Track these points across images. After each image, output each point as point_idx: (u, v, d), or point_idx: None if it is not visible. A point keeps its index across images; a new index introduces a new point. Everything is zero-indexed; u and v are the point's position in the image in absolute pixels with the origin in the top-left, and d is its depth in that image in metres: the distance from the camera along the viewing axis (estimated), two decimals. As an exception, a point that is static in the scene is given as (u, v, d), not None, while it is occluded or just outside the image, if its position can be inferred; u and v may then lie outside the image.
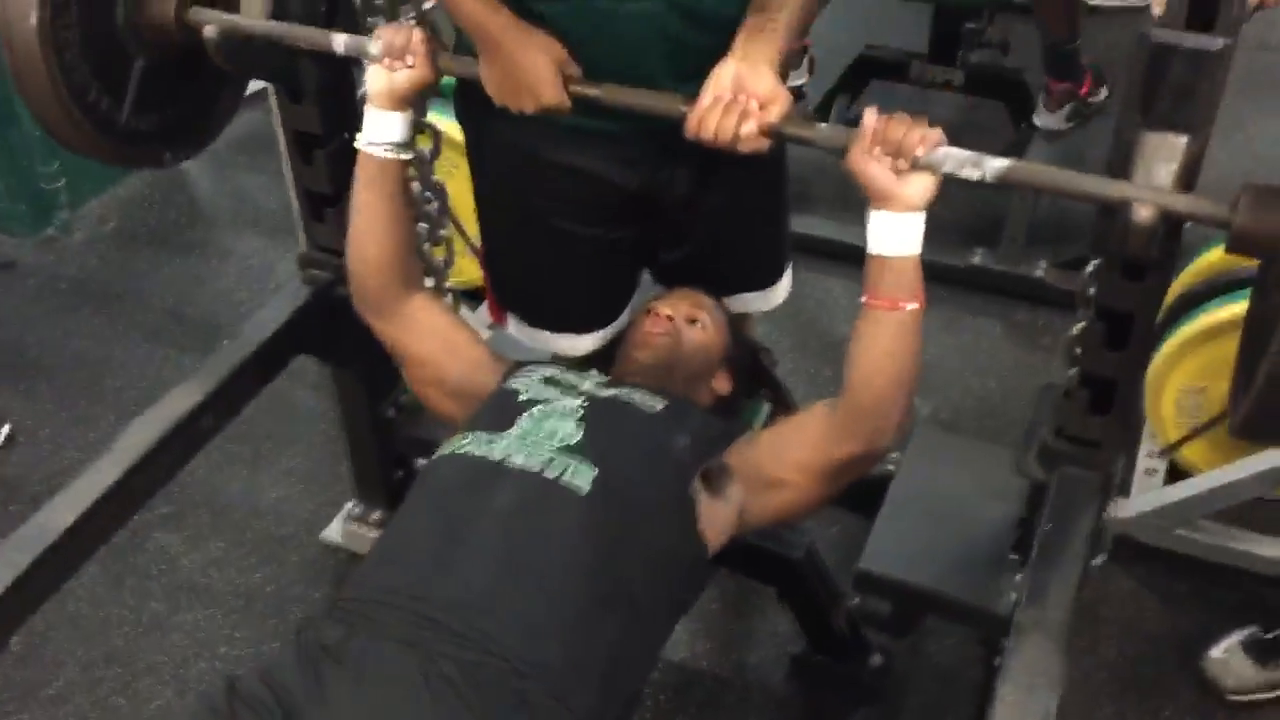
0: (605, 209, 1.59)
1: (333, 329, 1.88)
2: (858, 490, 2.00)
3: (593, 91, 1.40)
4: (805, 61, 2.99)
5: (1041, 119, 2.83)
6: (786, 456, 1.45)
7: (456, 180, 1.88)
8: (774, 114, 1.32)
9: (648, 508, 1.38)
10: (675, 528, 1.41)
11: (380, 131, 1.49)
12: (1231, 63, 1.21)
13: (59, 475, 2.27)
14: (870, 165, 1.26)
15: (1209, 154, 1.26)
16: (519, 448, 1.39)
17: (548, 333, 1.73)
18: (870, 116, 1.26)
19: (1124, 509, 2.18)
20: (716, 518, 1.44)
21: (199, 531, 2.27)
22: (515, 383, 1.50)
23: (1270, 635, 1.96)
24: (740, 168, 1.59)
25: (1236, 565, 2.11)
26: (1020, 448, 1.61)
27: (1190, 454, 2.23)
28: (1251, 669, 1.96)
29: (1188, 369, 2.16)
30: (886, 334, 1.33)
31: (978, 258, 2.74)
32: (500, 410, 1.46)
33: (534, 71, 1.38)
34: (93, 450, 2.26)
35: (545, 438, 1.40)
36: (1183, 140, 1.24)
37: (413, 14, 1.73)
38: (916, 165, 1.26)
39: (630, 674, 1.38)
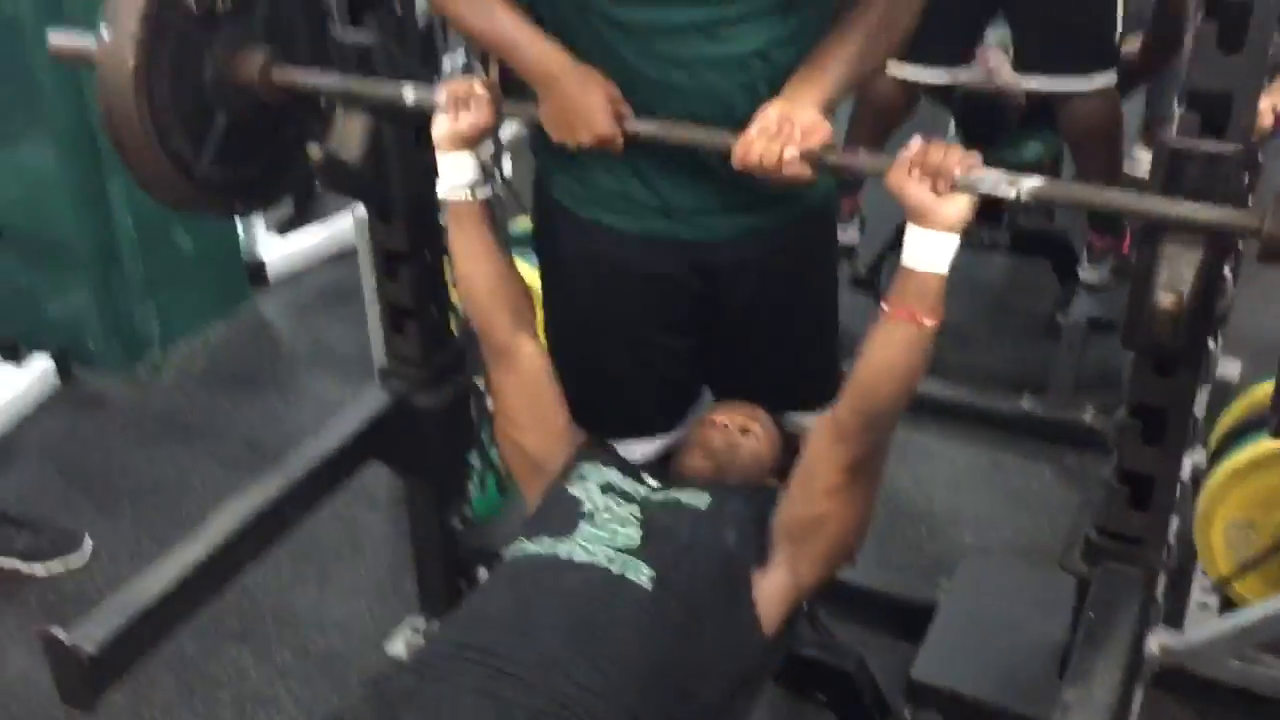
0: (673, 314, 1.70)
1: (407, 437, 1.99)
2: (907, 617, 2.07)
3: (645, 127, 1.50)
4: (856, 221, 3.15)
5: (1085, 273, 2.94)
6: (813, 489, 1.53)
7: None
8: (815, 140, 1.42)
9: (705, 602, 1.47)
10: (733, 617, 1.50)
11: (454, 174, 1.60)
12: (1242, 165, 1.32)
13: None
14: (910, 185, 1.35)
15: None
16: (582, 550, 1.49)
17: (614, 440, 1.82)
18: (914, 142, 1.37)
19: (1177, 640, 2.18)
20: (772, 590, 1.53)
21: (267, 644, 2.33)
22: (576, 488, 1.60)
23: None
24: (797, 287, 1.73)
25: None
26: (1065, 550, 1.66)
27: (1243, 588, 2.24)
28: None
29: (1235, 502, 2.20)
30: (899, 344, 1.40)
31: (1026, 404, 2.81)
32: (563, 518, 1.56)
33: (589, 105, 1.47)
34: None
35: (606, 542, 1.50)
36: (1198, 253, 1.34)
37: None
38: (955, 187, 1.34)
39: None
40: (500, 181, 2.03)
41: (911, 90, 2.80)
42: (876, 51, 1.53)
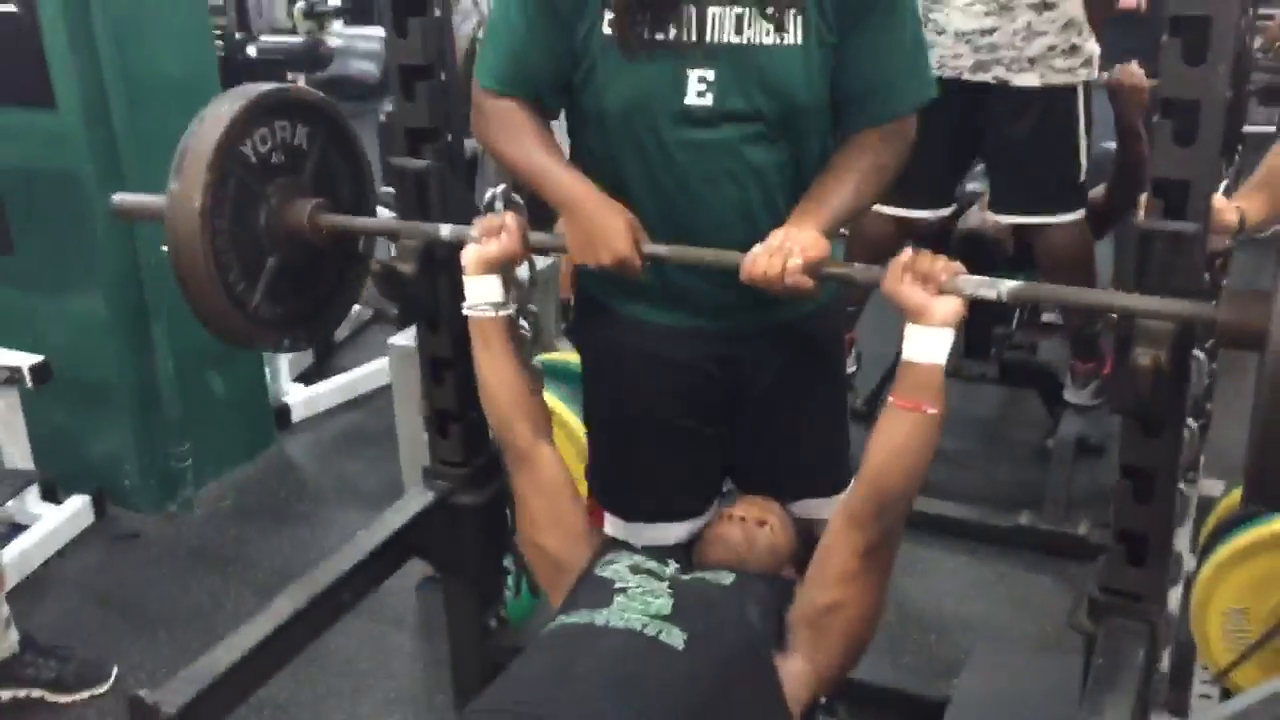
0: (699, 401, 1.86)
1: (448, 534, 2.12)
2: (920, 713, 2.17)
3: (661, 250, 1.68)
4: (854, 355, 3.35)
5: (1071, 395, 3.13)
6: (828, 575, 1.63)
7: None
8: (814, 253, 1.60)
9: (734, 665, 1.57)
10: (760, 689, 1.58)
11: (479, 294, 1.75)
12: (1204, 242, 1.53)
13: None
14: (903, 289, 1.52)
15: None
16: (618, 617, 1.59)
17: (643, 524, 1.96)
18: (905, 252, 1.54)
19: (1183, 729, 2.29)
20: (792, 675, 1.61)
21: (304, 759, 2.41)
22: (606, 571, 1.71)
23: None
24: (811, 376, 1.90)
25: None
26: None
27: (1241, 678, 2.34)
28: None
29: (1228, 591, 2.32)
30: (906, 432, 1.53)
31: (1024, 519, 2.95)
32: (596, 593, 1.66)
33: (609, 228, 1.65)
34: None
35: (640, 610, 1.60)
36: (1170, 328, 1.52)
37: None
38: (944, 289, 1.51)
39: None
40: (525, 316, 2.22)
41: (903, 227, 3.04)
42: (868, 191, 1.73)
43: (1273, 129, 2.73)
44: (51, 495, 3.23)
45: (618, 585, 1.66)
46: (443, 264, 1.96)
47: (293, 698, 2.54)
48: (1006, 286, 1.54)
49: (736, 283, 1.74)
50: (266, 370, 3.65)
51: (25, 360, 2.80)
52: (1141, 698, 1.65)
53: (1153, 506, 1.66)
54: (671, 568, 1.74)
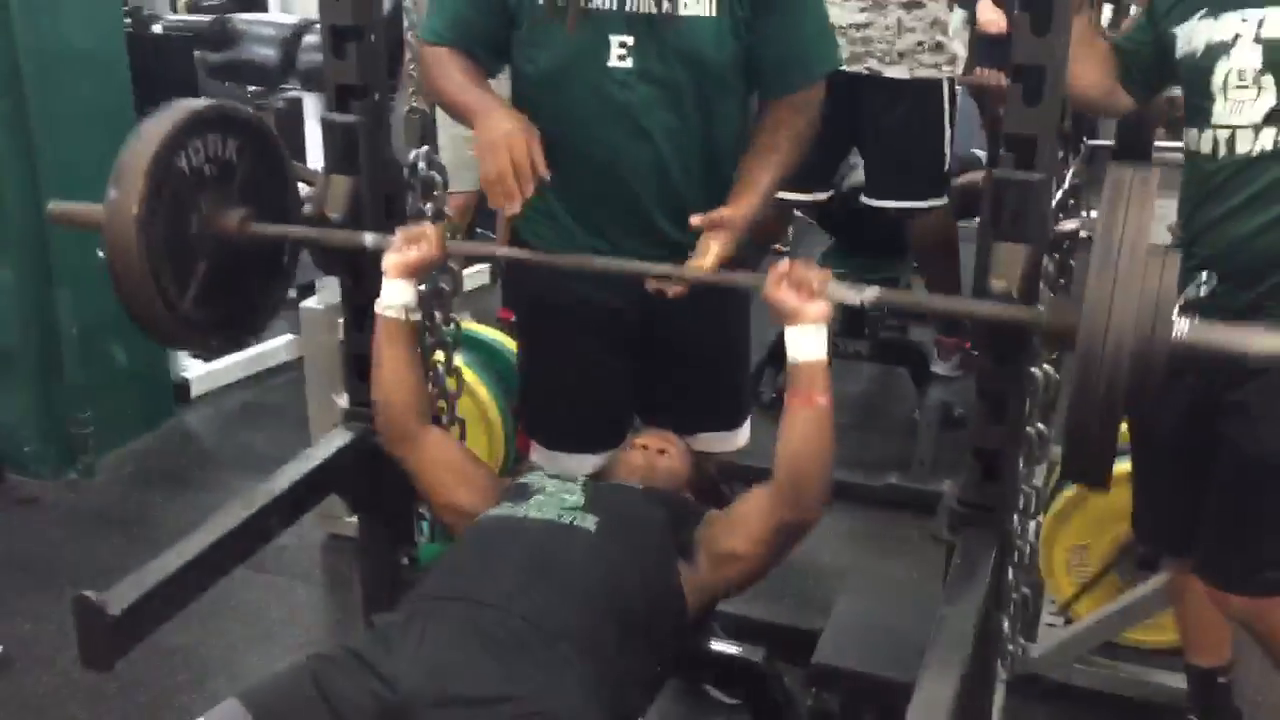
0: (614, 338, 2.06)
1: (365, 472, 2.24)
2: (799, 642, 2.37)
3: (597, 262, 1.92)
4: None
5: (937, 367, 3.41)
6: (738, 530, 1.81)
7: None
8: (710, 257, 1.81)
9: (640, 553, 1.77)
10: (662, 575, 1.78)
11: (394, 297, 1.89)
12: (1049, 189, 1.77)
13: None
14: (780, 294, 1.68)
15: None
16: (537, 510, 1.79)
17: (563, 454, 2.14)
18: (782, 263, 1.72)
19: (1031, 651, 2.55)
20: (691, 582, 1.81)
21: (217, 697, 2.49)
22: (525, 479, 1.90)
23: None
24: (715, 320, 2.10)
25: (1123, 693, 2.49)
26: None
27: (1080, 609, 2.62)
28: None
29: (1071, 529, 2.59)
30: (805, 424, 1.70)
31: (893, 479, 3.20)
32: (516, 494, 1.86)
33: (511, 129, 1.78)
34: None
35: (556, 504, 1.80)
36: (1022, 248, 1.76)
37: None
38: (815, 295, 1.69)
39: (625, 682, 1.65)
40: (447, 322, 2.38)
41: (786, 210, 3.27)
42: (790, 163, 1.97)
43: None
44: (-54, 462, 3.26)
45: (535, 487, 1.85)
46: (369, 211, 2.10)
47: (206, 646, 2.63)
48: (868, 293, 1.73)
49: (654, 233, 1.94)
50: (166, 345, 3.71)
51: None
52: (994, 595, 1.88)
53: (1005, 427, 1.89)
54: (584, 480, 1.93)
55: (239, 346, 2.11)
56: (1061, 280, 2.91)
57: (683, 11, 1.84)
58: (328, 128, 2.09)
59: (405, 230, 1.92)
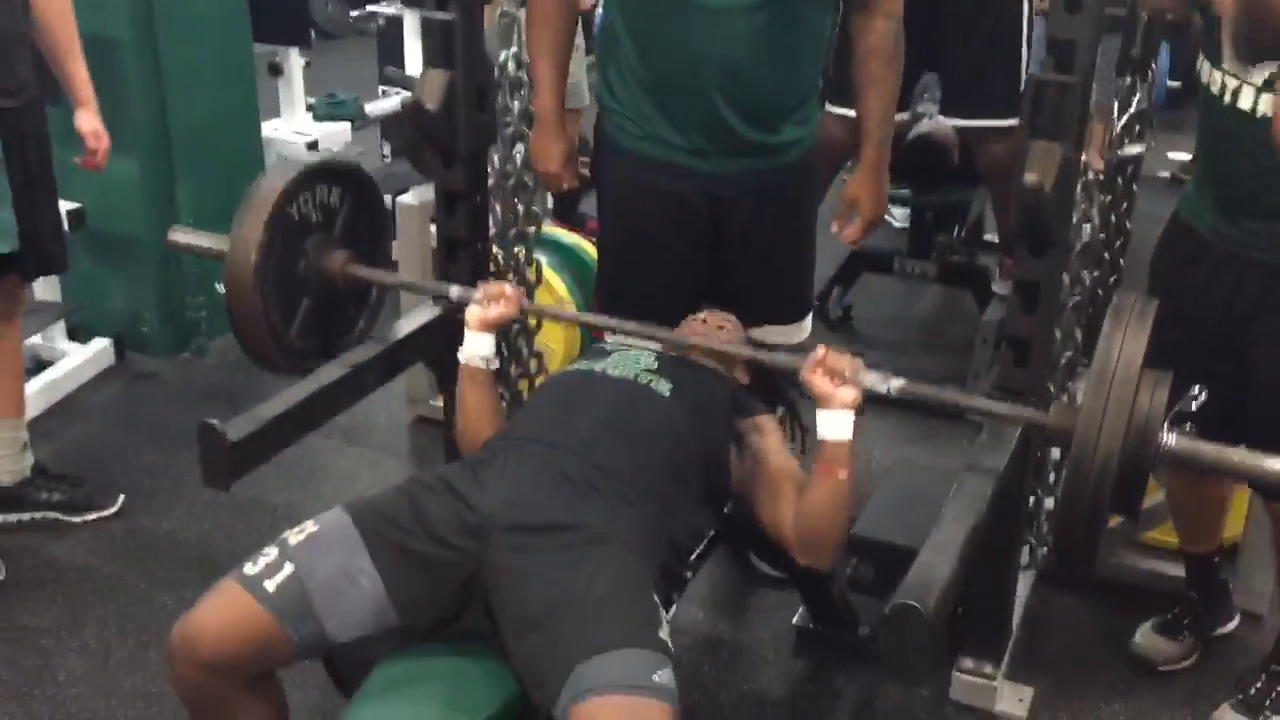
0: (687, 227, 2.24)
1: (450, 344, 2.46)
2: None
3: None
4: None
5: (999, 287, 3.53)
6: (768, 513, 1.93)
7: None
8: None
9: (703, 426, 1.96)
10: (715, 450, 1.98)
11: (476, 349, 2.07)
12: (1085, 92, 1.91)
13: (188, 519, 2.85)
14: (814, 379, 1.82)
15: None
16: (614, 367, 2.00)
17: None
18: (818, 350, 1.85)
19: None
20: (736, 471, 2.00)
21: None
22: (602, 343, 2.10)
23: (1168, 617, 2.47)
24: (781, 219, 2.27)
25: (1140, 583, 2.66)
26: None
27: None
28: (1165, 643, 2.44)
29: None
30: (825, 492, 1.81)
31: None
32: (595, 353, 2.08)
33: (551, 151, 2.31)
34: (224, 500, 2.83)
35: (632, 364, 2.00)
36: (1056, 146, 1.90)
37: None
38: (847, 381, 1.81)
39: (673, 533, 1.85)
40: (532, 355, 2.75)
41: (855, 128, 3.40)
42: (897, 89, 2.24)
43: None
44: (75, 337, 3.56)
45: (612, 349, 2.06)
46: (462, 105, 2.31)
47: (303, 504, 2.89)
48: (895, 383, 1.88)
49: (728, 134, 2.15)
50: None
51: (63, 206, 3.09)
52: (1017, 471, 2.04)
53: (1038, 316, 2.04)
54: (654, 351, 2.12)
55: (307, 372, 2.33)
56: (1125, 207, 3.04)
57: None
58: (427, 25, 2.30)
59: (486, 287, 2.10)
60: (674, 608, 2.41)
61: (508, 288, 2.09)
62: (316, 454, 3.09)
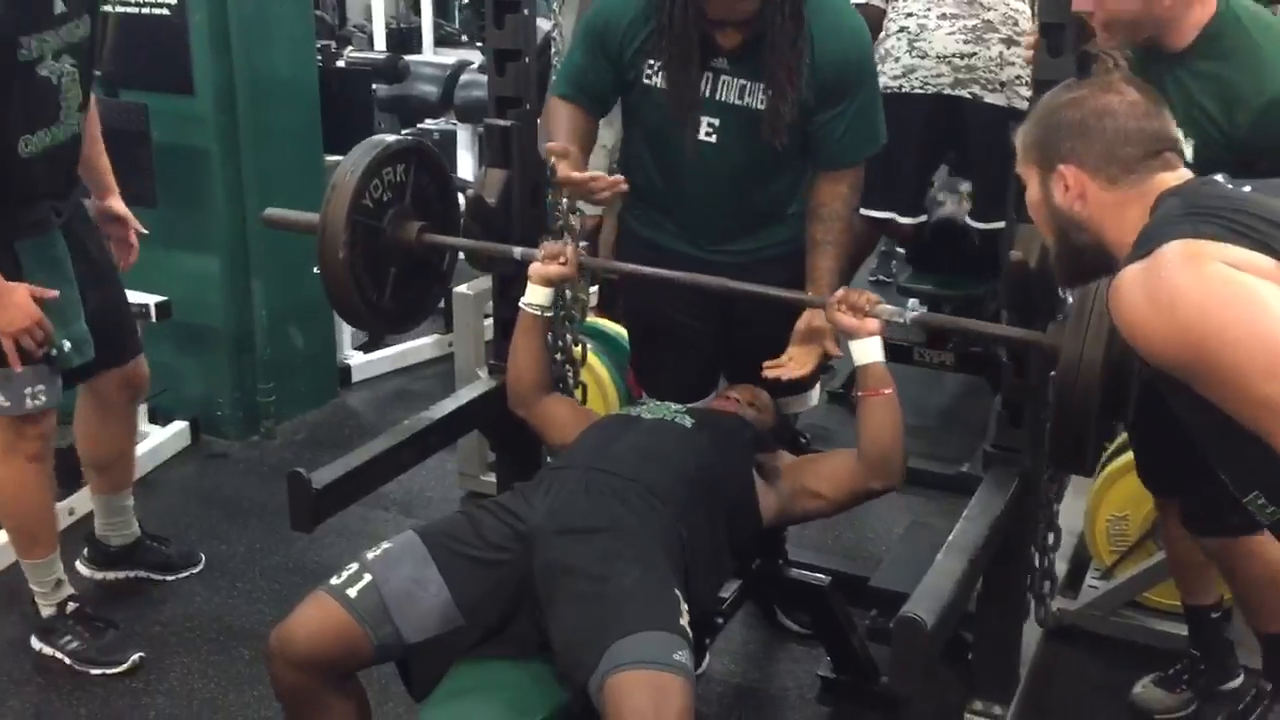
0: (698, 306, 2.52)
1: (502, 413, 2.73)
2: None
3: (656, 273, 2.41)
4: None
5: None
6: (828, 479, 2.24)
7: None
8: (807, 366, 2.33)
9: (727, 452, 2.23)
10: (741, 475, 2.23)
11: (534, 298, 2.39)
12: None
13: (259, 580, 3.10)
14: (839, 316, 2.15)
15: None
16: (648, 412, 2.29)
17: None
18: (839, 291, 2.18)
19: (1073, 605, 2.92)
20: (765, 496, 2.26)
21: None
22: (634, 406, 2.38)
23: (1169, 672, 2.66)
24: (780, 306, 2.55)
25: (1143, 640, 2.86)
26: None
27: (1120, 573, 2.96)
28: (1163, 695, 2.62)
29: (1113, 500, 2.94)
30: (877, 410, 2.16)
31: (965, 468, 3.57)
32: (630, 405, 2.36)
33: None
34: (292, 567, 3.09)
35: (663, 409, 2.30)
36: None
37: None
38: (867, 315, 2.13)
39: (701, 547, 2.07)
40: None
41: (877, 225, 3.70)
42: (844, 246, 2.45)
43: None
44: (155, 419, 3.87)
45: (645, 402, 2.37)
46: (518, 200, 2.61)
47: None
48: (910, 314, 2.20)
49: (726, 230, 2.46)
50: (336, 335, 4.31)
51: (152, 299, 3.42)
52: (1013, 516, 2.27)
53: (1028, 381, 2.29)
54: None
55: (410, 329, 2.67)
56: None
57: (759, 106, 2.32)
58: (489, 130, 2.62)
59: (548, 246, 2.41)
60: (707, 658, 2.66)
61: (569, 249, 2.36)
62: (376, 524, 3.35)
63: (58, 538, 2.83)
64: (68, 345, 2.57)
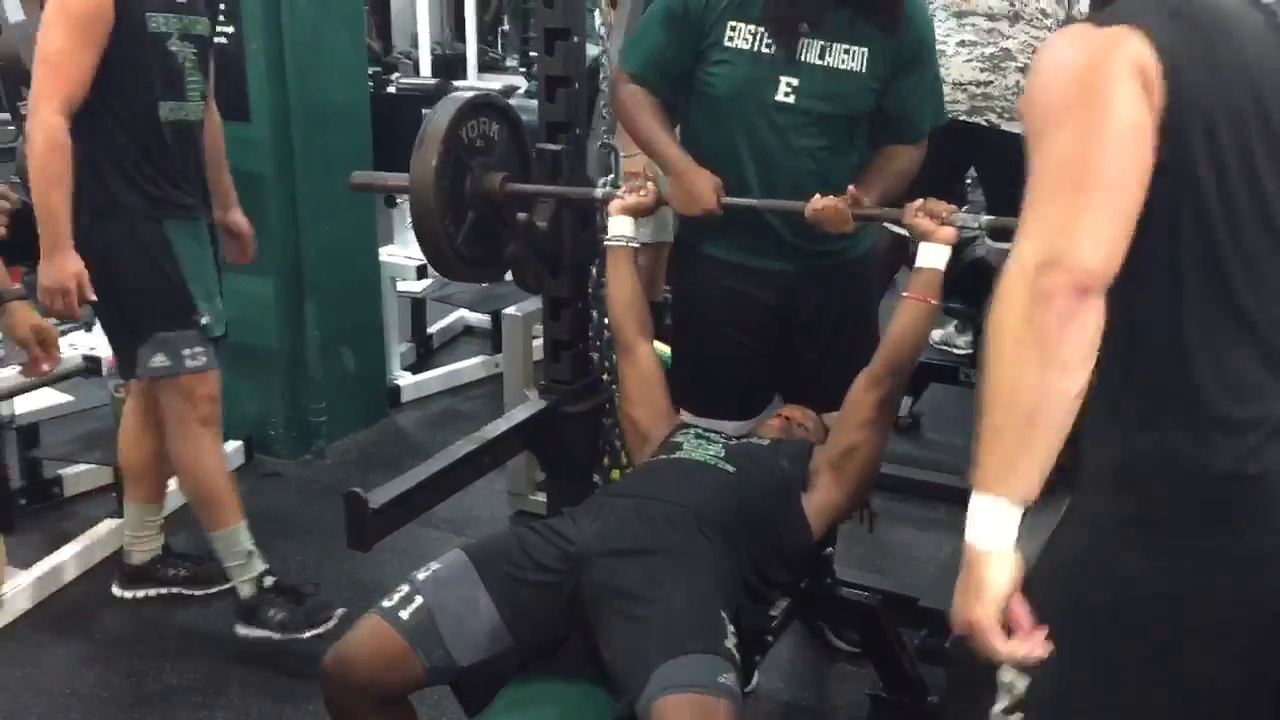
0: (755, 323, 2.52)
1: (554, 434, 2.77)
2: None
3: (740, 201, 2.38)
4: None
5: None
6: (851, 424, 2.28)
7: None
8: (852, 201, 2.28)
9: (769, 487, 2.24)
10: (785, 504, 2.24)
11: (618, 229, 2.47)
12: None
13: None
14: (918, 220, 2.22)
15: None
16: (687, 454, 2.29)
17: (713, 419, 2.60)
18: (918, 200, 2.24)
19: None
20: (815, 506, 2.27)
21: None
22: (678, 437, 2.39)
23: None
24: (843, 311, 2.56)
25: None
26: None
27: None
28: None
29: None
30: (917, 315, 2.23)
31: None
32: (670, 447, 2.35)
33: (701, 189, 2.36)
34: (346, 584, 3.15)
35: (703, 453, 2.29)
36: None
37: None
38: (944, 221, 2.21)
39: (742, 564, 2.09)
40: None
41: (905, 244, 3.71)
42: (894, 188, 2.45)
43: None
44: (211, 441, 3.94)
45: (684, 442, 2.35)
46: (569, 225, 2.66)
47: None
48: (985, 218, 2.27)
49: (783, 242, 2.43)
50: (386, 357, 4.37)
51: (208, 320, 3.50)
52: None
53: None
54: (724, 438, 2.41)
55: (492, 280, 2.83)
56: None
57: (839, 65, 2.36)
58: (540, 154, 2.67)
59: (630, 181, 2.50)
60: (756, 676, 2.67)
61: (649, 183, 2.45)
62: (427, 544, 3.38)
63: (241, 507, 2.93)
64: (207, 319, 2.81)
